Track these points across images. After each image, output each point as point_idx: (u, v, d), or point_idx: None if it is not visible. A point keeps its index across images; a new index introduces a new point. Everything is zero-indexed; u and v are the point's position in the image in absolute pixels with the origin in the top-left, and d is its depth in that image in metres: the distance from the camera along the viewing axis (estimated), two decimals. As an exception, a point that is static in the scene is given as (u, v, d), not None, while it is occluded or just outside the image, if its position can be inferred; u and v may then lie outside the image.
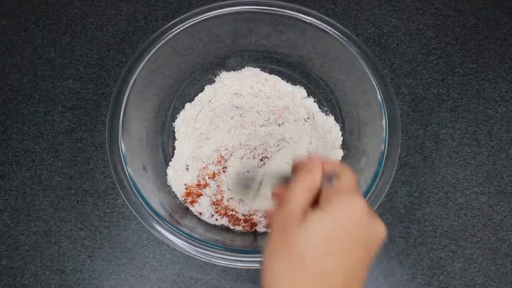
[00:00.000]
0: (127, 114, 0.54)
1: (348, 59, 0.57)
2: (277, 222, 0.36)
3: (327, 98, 0.63)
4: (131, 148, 0.54)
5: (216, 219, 0.57)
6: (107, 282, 0.57)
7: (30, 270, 0.57)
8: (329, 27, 0.57)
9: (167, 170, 0.59)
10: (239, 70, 0.65)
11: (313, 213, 0.34)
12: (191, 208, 0.57)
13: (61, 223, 0.59)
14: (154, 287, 0.56)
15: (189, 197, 0.58)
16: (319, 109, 0.63)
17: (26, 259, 0.58)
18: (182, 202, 0.58)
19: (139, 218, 0.49)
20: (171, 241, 0.48)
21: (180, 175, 0.59)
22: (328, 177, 0.36)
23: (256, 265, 0.48)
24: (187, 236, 0.49)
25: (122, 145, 0.52)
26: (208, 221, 0.57)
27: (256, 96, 0.63)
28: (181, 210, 0.57)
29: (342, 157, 0.60)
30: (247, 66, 0.65)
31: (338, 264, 0.33)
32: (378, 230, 0.35)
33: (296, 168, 0.40)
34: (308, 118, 0.62)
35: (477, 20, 0.70)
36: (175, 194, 0.58)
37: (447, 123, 0.64)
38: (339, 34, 0.57)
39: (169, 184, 0.59)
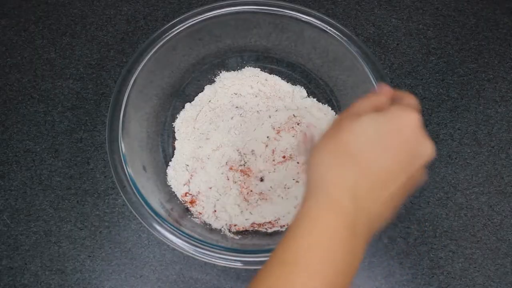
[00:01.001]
0: (127, 114, 0.54)
1: (348, 59, 0.57)
2: (336, 119, 0.38)
3: (327, 98, 0.63)
4: (131, 148, 0.54)
5: (216, 217, 0.57)
6: (107, 282, 0.57)
7: (30, 270, 0.57)
8: (329, 27, 0.57)
9: (167, 170, 0.59)
10: (239, 70, 0.65)
11: (369, 113, 0.36)
12: (190, 208, 0.57)
13: (61, 223, 0.59)
14: (154, 287, 0.56)
15: (189, 197, 0.58)
16: (320, 108, 0.63)
17: (26, 259, 0.58)
18: (182, 202, 0.58)
19: (139, 218, 0.50)
20: (171, 241, 0.48)
21: (180, 175, 0.59)
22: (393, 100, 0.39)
23: (256, 266, 0.48)
24: (187, 236, 0.49)
25: (122, 145, 0.52)
26: (207, 221, 0.57)
27: (256, 96, 0.63)
28: (181, 210, 0.57)
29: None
30: (247, 66, 0.65)
31: (381, 159, 0.34)
32: (427, 146, 0.36)
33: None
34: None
35: (477, 20, 0.70)
36: (175, 194, 0.58)
37: (447, 123, 0.64)
38: (339, 34, 0.57)
39: (169, 184, 0.59)
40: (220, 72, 0.65)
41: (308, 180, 0.36)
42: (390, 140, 0.35)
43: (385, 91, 0.40)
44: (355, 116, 0.36)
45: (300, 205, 0.35)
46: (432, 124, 0.64)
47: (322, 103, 0.63)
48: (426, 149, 0.36)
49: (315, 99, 0.63)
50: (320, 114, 0.62)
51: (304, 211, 0.34)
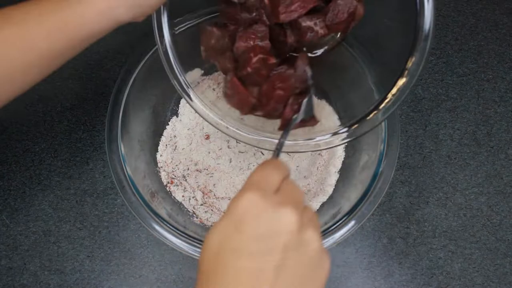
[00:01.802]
0: (126, 114, 0.54)
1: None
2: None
3: (327, 98, 0.63)
4: (130, 148, 0.54)
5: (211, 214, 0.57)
6: (106, 282, 0.57)
7: (29, 270, 0.57)
8: (328, 27, 0.57)
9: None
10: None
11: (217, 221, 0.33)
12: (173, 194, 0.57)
13: (60, 223, 0.59)
14: (153, 287, 0.56)
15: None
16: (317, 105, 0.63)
17: (25, 259, 0.58)
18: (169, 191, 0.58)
19: (138, 218, 0.49)
20: (170, 241, 0.48)
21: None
22: None
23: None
24: (186, 236, 0.48)
25: (121, 145, 0.52)
26: (206, 223, 0.57)
27: None
28: (178, 209, 0.57)
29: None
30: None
31: (230, 269, 0.30)
32: (280, 216, 0.31)
33: None
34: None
35: (476, 20, 0.70)
36: (173, 194, 0.58)
37: (447, 123, 0.64)
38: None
39: (166, 184, 0.59)
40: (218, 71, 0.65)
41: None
42: (234, 240, 0.31)
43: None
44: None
45: None
46: (431, 124, 0.64)
47: (319, 100, 0.63)
48: (281, 218, 0.31)
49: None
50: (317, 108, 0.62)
51: None
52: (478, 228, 0.59)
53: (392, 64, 0.46)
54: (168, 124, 0.62)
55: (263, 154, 0.60)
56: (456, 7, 0.71)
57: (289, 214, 0.30)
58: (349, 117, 0.60)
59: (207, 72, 0.64)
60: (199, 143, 0.61)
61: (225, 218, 0.31)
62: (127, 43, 0.68)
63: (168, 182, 0.59)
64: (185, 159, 0.60)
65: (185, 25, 0.58)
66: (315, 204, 0.57)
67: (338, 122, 0.61)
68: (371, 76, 0.53)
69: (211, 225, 0.38)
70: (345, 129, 0.44)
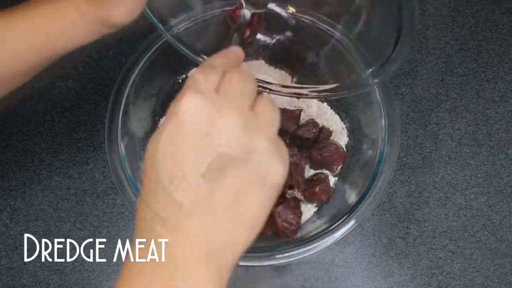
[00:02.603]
0: (126, 114, 0.54)
1: (347, 58, 0.57)
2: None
3: (327, 98, 0.63)
4: (131, 148, 0.54)
5: None
6: (106, 282, 0.57)
7: (29, 270, 0.57)
8: (328, 27, 0.57)
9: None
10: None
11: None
12: None
13: (60, 223, 0.59)
14: (153, 287, 0.56)
15: None
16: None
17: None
18: None
19: (138, 218, 0.49)
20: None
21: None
22: None
23: (257, 264, 0.48)
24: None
25: (122, 145, 0.52)
26: None
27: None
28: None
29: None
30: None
31: (165, 165, 0.28)
32: (221, 119, 0.28)
33: None
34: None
35: (476, 20, 0.70)
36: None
37: (447, 123, 0.64)
38: (338, 33, 0.57)
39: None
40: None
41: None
42: (174, 141, 0.29)
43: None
44: None
45: None
46: (431, 124, 0.64)
47: (321, 102, 0.63)
48: (222, 121, 0.28)
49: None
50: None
51: None
52: (478, 228, 0.59)
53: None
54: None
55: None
56: (456, 7, 0.71)
57: (226, 118, 0.28)
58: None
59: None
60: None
61: (165, 122, 0.29)
62: (127, 43, 0.68)
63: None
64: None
65: (185, 23, 0.58)
66: (315, 204, 0.57)
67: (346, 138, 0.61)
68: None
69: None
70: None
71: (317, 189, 0.55)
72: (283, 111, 0.60)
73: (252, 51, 0.60)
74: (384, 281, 0.57)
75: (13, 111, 0.64)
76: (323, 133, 0.59)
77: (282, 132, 0.58)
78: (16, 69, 0.42)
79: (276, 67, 0.65)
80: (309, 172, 0.59)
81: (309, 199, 0.56)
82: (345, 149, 0.60)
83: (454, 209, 0.60)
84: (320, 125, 0.60)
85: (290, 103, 0.63)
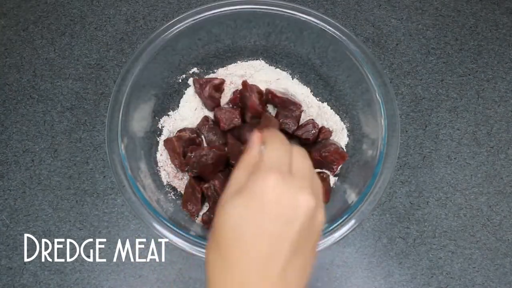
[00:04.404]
0: (126, 114, 0.54)
1: (347, 58, 0.57)
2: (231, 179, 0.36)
3: (327, 98, 0.63)
4: (130, 148, 0.54)
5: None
6: (106, 282, 0.57)
7: (29, 270, 0.57)
8: (328, 27, 0.57)
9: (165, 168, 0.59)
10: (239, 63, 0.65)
11: (230, 199, 0.34)
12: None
13: (60, 223, 0.59)
14: (153, 287, 0.56)
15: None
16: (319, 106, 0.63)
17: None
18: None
19: (138, 218, 0.49)
20: (171, 240, 0.48)
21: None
22: (264, 147, 0.36)
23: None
24: (186, 235, 0.48)
25: (121, 145, 0.52)
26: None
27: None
28: (178, 209, 0.57)
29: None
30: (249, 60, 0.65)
31: (253, 245, 0.32)
32: (296, 203, 0.33)
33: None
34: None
35: (476, 20, 0.70)
36: (173, 193, 0.58)
37: (447, 123, 0.64)
38: (338, 34, 0.57)
39: (166, 183, 0.59)
40: (217, 70, 0.65)
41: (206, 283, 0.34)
42: (256, 218, 0.32)
43: (252, 142, 0.37)
44: (220, 208, 0.34)
45: None
46: (431, 124, 0.64)
47: (322, 103, 0.63)
48: (297, 204, 0.33)
49: (315, 98, 0.64)
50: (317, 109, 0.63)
51: None
52: (478, 228, 0.59)
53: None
54: (167, 124, 0.62)
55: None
56: (456, 7, 0.71)
57: (306, 199, 0.33)
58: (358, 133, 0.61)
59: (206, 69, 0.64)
60: (199, 143, 0.61)
61: (244, 196, 0.33)
62: (127, 43, 0.68)
63: (168, 182, 0.59)
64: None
65: (184, 24, 0.58)
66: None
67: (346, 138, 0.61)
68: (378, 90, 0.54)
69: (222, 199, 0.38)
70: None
71: None
72: (284, 110, 0.60)
73: None
74: (384, 281, 0.57)
75: (13, 111, 0.64)
76: (323, 134, 0.59)
77: (282, 132, 0.58)
78: None
79: (276, 67, 0.65)
80: None
81: None
82: (345, 149, 0.60)
83: (454, 209, 0.60)
84: (320, 126, 0.60)
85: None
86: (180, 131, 0.59)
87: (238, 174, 0.36)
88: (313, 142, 0.59)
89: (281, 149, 0.36)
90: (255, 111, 0.58)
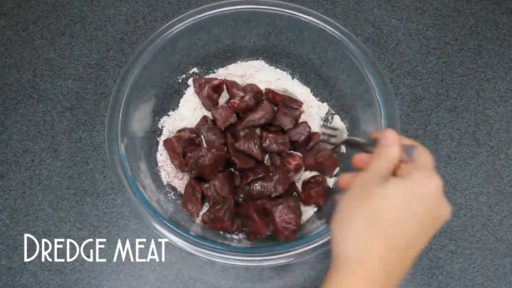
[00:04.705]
0: (126, 114, 0.54)
1: (347, 58, 0.57)
2: (358, 182, 0.39)
3: (327, 98, 0.64)
4: (130, 148, 0.54)
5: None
6: (106, 282, 0.57)
7: (29, 270, 0.57)
8: (328, 27, 0.58)
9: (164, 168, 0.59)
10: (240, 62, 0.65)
11: (395, 178, 0.37)
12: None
13: (60, 223, 0.59)
14: (153, 287, 0.56)
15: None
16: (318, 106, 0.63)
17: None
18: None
19: (139, 218, 0.49)
20: (171, 240, 0.48)
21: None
22: (407, 151, 0.39)
23: (257, 264, 0.48)
24: (186, 234, 0.48)
25: (121, 145, 0.52)
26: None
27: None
28: (178, 209, 0.57)
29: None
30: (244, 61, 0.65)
31: (408, 225, 0.36)
32: (446, 210, 0.39)
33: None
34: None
35: (476, 21, 0.70)
36: (173, 193, 0.58)
37: (447, 123, 0.64)
38: (338, 34, 0.57)
39: (166, 183, 0.59)
40: (217, 70, 0.65)
41: (336, 251, 0.38)
42: (417, 206, 0.36)
43: (391, 141, 0.40)
44: (382, 180, 0.37)
45: (329, 276, 0.37)
46: (431, 124, 0.64)
47: (322, 103, 0.63)
48: (445, 212, 0.39)
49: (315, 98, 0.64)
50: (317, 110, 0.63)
51: (338, 282, 0.36)
52: (478, 228, 0.59)
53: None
54: (167, 124, 0.62)
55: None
56: (456, 7, 0.71)
57: (449, 212, 0.39)
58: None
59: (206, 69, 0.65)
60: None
61: (407, 185, 0.37)
62: (127, 43, 0.68)
63: (168, 182, 0.59)
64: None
65: (184, 24, 0.58)
66: (314, 204, 0.57)
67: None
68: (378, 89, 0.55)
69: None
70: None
71: (312, 192, 0.56)
72: (285, 107, 0.60)
73: None
74: (384, 281, 0.57)
75: (13, 111, 0.64)
76: (314, 138, 0.59)
77: (278, 128, 0.59)
78: None
79: (276, 67, 0.65)
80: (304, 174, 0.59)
81: (306, 202, 0.56)
82: (345, 149, 0.60)
83: (454, 209, 0.60)
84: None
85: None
86: (179, 131, 0.59)
87: (383, 163, 0.39)
88: (303, 144, 0.59)
89: (431, 156, 0.40)
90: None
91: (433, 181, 0.37)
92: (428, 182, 0.37)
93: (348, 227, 0.37)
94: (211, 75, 0.65)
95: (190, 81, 0.63)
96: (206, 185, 0.55)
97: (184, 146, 0.57)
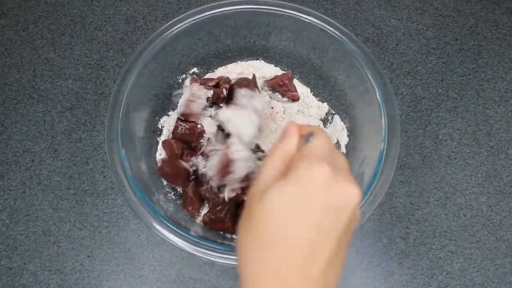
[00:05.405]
0: (126, 114, 0.54)
1: (347, 58, 0.57)
2: (247, 199, 0.35)
3: (327, 98, 0.64)
4: (130, 148, 0.54)
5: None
6: (106, 282, 0.57)
7: (29, 270, 0.57)
8: (328, 27, 0.58)
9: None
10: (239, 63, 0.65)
11: (274, 185, 0.32)
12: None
13: (60, 223, 0.59)
14: (153, 287, 0.56)
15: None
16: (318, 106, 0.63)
17: (25, 259, 0.58)
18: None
19: (139, 218, 0.49)
20: (171, 240, 0.48)
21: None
22: (305, 138, 0.35)
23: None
24: (187, 234, 0.48)
25: (121, 145, 0.52)
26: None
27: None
28: (178, 209, 0.57)
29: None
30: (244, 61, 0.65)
31: (302, 232, 0.31)
32: (348, 193, 0.32)
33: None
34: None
35: (476, 20, 0.70)
36: (173, 193, 0.58)
37: (447, 123, 0.64)
38: (338, 34, 0.57)
39: (166, 183, 0.59)
40: (217, 69, 0.65)
41: (238, 270, 0.33)
42: (305, 207, 0.31)
43: (291, 131, 0.36)
44: (260, 193, 0.33)
45: None
46: (431, 124, 0.64)
47: (322, 103, 0.63)
48: (348, 196, 0.32)
49: (315, 98, 0.64)
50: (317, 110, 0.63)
51: None
52: (478, 228, 0.59)
53: None
54: (167, 124, 0.62)
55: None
56: (456, 7, 0.71)
57: (357, 192, 0.32)
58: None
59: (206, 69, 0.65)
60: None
61: (292, 183, 0.32)
62: (127, 43, 0.68)
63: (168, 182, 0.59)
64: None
65: (184, 24, 0.58)
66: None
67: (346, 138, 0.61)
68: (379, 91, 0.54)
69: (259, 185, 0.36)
70: None
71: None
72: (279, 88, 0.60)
73: None
74: (384, 281, 0.57)
75: (13, 111, 0.64)
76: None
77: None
78: None
79: (275, 65, 0.65)
80: None
81: None
82: (345, 149, 0.60)
83: (454, 209, 0.60)
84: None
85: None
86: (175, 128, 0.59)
87: (275, 163, 0.35)
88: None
89: (330, 143, 0.36)
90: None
91: (317, 170, 0.31)
92: (310, 175, 0.31)
93: (239, 245, 0.33)
94: (211, 74, 0.65)
95: (187, 82, 0.63)
96: (203, 187, 0.55)
97: (183, 148, 0.57)
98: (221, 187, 0.52)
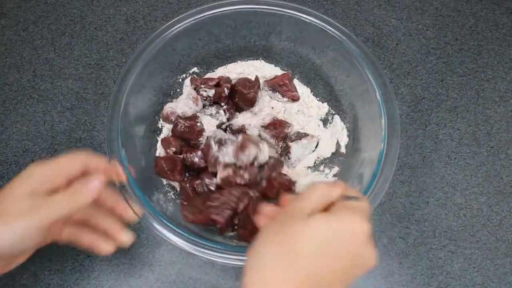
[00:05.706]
0: (126, 114, 0.54)
1: (347, 59, 0.58)
2: (280, 216, 0.37)
3: (327, 98, 0.64)
4: (130, 147, 0.54)
5: None
6: (106, 282, 0.57)
7: (29, 270, 0.57)
8: (328, 27, 0.58)
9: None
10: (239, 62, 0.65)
11: (320, 214, 0.35)
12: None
13: (60, 223, 0.59)
14: (153, 287, 0.56)
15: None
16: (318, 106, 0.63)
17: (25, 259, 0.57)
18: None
19: (139, 217, 0.49)
20: (171, 240, 0.48)
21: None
22: (347, 198, 0.38)
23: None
24: (187, 234, 0.48)
25: (121, 145, 0.52)
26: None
27: None
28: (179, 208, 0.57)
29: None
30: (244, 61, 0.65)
31: (326, 265, 0.34)
32: (371, 258, 0.36)
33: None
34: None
35: (476, 20, 0.70)
36: (173, 192, 0.58)
37: (447, 123, 0.64)
38: (338, 34, 0.57)
39: (166, 183, 0.59)
40: (217, 69, 0.65)
41: (245, 281, 0.35)
42: (340, 247, 0.34)
43: (338, 185, 0.39)
44: (304, 216, 0.35)
45: None
46: (431, 124, 0.64)
47: (322, 103, 0.63)
48: (370, 260, 0.36)
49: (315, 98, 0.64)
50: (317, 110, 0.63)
51: None
52: (478, 228, 0.59)
53: None
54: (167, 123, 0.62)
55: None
56: (456, 7, 0.71)
57: (376, 262, 0.37)
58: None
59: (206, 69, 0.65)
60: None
61: (339, 219, 0.35)
62: (127, 43, 0.68)
63: (168, 181, 0.59)
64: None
65: (184, 24, 0.58)
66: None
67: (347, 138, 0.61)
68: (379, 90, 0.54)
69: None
70: None
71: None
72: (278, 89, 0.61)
73: None
74: (384, 281, 0.57)
75: (13, 111, 0.64)
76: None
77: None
78: None
79: (275, 65, 0.65)
80: None
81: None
82: (345, 149, 0.60)
83: (454, 209, 0.60)
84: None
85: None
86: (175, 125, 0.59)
87: (321, 197, 0.37)
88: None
89: (368, 205, 0.39)
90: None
91: (362, 224, 0.35)
92: (356, 223, 0.35)
93: (262, 259, 0.34)
94: (211, 74, 0.65)
95: (187, 81, 0.63)
96: (197, 181, 0.55)
97: (182, 145, 0.57)
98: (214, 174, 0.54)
